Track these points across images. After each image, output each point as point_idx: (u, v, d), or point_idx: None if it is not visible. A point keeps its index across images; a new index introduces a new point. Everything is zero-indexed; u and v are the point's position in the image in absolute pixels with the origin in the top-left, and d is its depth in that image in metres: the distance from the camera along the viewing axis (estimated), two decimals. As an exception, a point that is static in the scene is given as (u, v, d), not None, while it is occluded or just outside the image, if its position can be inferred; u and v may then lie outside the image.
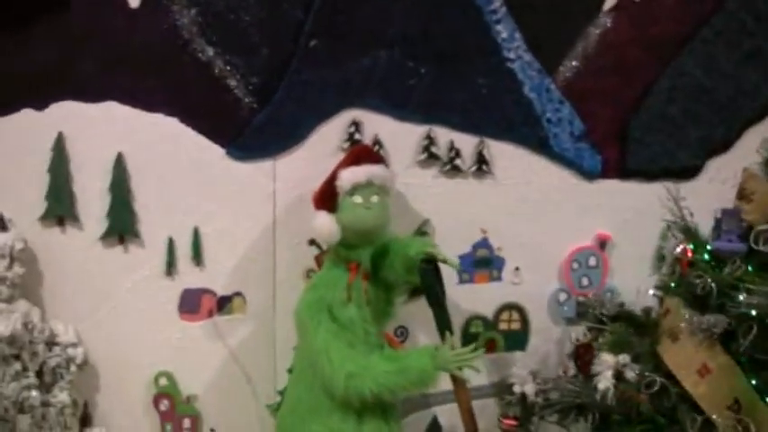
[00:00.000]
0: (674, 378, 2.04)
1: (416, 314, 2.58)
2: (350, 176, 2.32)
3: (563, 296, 2.69)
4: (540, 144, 2.57)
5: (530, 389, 2.31)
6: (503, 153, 2.58)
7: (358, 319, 2.32)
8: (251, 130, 2.46)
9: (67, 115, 2.40)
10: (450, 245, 2.58)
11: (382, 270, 2.39)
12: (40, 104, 2.38)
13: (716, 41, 2.57)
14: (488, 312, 2.69)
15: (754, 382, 1.86)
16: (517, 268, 2.65)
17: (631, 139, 2.60)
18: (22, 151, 2.41)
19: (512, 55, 2.52)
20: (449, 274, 2.57)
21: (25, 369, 2.28)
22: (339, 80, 2.47)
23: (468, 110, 2.52)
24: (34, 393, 2.27)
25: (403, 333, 2.66)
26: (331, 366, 2.25)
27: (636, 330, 2.24)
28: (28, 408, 2.25)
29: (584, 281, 2.69)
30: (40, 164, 2.41)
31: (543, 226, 2.63)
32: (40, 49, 2.35)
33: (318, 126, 2.49)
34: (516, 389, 2.34)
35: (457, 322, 2.70)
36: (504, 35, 2.49)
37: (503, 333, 2.71)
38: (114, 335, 2.52)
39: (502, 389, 2.56)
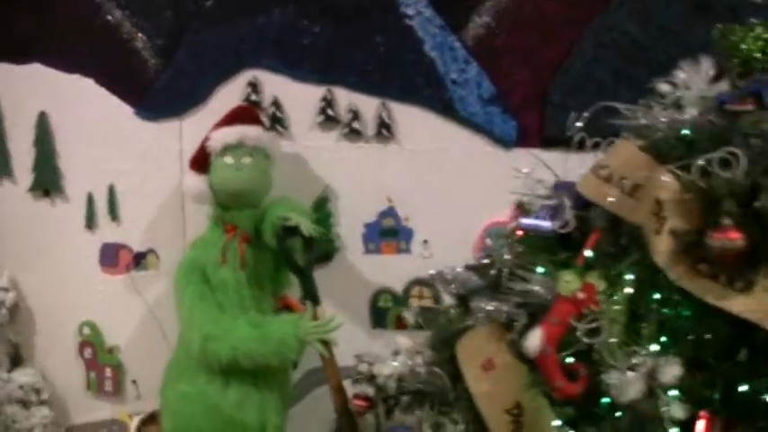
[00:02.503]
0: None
1: (324, 279, 2.78)
2: (220, 137, 2.57)
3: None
4: (444, 107, 2.63)
5: (386, 369, 2.41)
6: (407, 116, 2.68)
7: (232, 281, 2.57)
8: (155, 91, 2.79)
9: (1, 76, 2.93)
10: (355, 212, 2.78)
11: (264, 235, 2.64)
12: (-24, 67, 2.94)
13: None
14: (398, 287, 2.81)
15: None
16: (426, 241, 2.74)
17: (550, 103, 2.57)
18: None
19: (410, 11, 2.60)
20: (355, 243, 2.78)
21: (-53, 308, 2.84)
22: (235, 39, 2.71)
23: (367, 70, 2.65)
24: (-46, 330, 2.83)
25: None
26: (191, 326, 2.54)
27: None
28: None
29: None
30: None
31: (454, 197, 2.69)
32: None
33: (219, 87, 2.76)
34: (362, 368, 2.46)
35: (364, 295, 2.88)
36: (402, -10, 2.60)
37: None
38: (45, 283, 3.01)
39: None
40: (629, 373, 1.54)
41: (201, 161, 2.59)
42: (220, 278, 2.56)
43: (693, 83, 1.79)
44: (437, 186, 2.71)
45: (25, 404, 2.93)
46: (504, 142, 2.63)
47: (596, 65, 2.54)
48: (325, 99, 2.69)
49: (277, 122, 2.72)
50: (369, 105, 2.69)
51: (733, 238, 1.50)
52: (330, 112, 2.70)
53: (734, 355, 1.63)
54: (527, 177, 2.10)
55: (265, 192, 2.63)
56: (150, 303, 2.95)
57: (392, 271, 2.80)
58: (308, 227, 2.46)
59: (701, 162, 1.56)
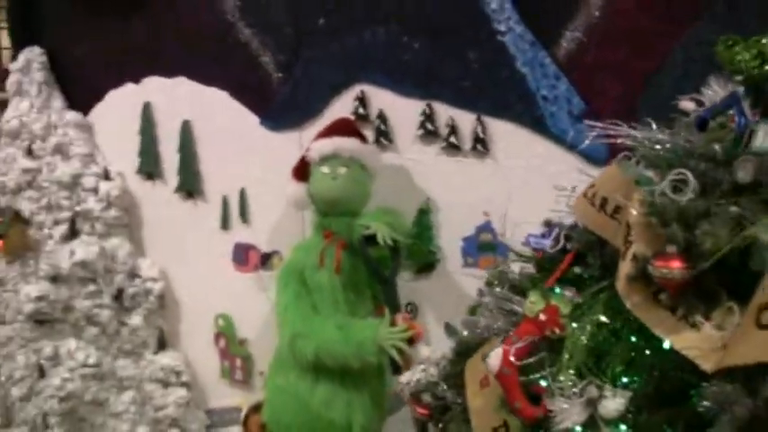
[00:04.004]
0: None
1: (425, 290, 3.04)
2: (317, 147, 2.92)
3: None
4: (536, 124, 2.76)
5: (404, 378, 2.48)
6: (502, 132, 2.85)
7: (327, 284, 2.90)
8: (277, 103, 3.19)
9: (155, 88, 3.46)
10: (454, 226, 2.99)
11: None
12: (136, 79, 3.49)
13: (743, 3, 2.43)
14: (494, 301, 2.97)
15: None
16: (520, 257, 2.88)
17: (641, 120, 2.60)
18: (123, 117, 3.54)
19: (502, 27, 2.75)
20: (454, 255, 2.99)
21: (100, 292, 3.42)
22: (344, 55, 3.03)
23: (462, 86, 2.85)
24: (105, 312, 3.40)
25: (413, 310, 3.12)
26: (284, 324, 2.91)
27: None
28: (97, 322, 3.39)
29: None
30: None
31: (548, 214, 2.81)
32: (134, 33, 3.43)
33: (332, 100, 3.09)
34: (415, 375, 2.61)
35: (462, 307, 3.04)
36: (494, 6, 2.75)
37: (511, 324, 2.97)
38: (188, 276, 3.53)
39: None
40: (570, 401, 1.66)
41: (302, 170, 2.96)
42: (316, 281, 2.90)
43: (717, 100, 1.84)
44: (531, 202, 2.86)
45: (165, 384, 3.48)
46: (595, 160, 2.73)
47: (686, 80, 2.57)
48: (424, 113, 2.94)
49: (382, 135, 3.02)
50: (466, 120, 2.90)
51: (674, 267, 1.53)
52: (429, 126, 2.93)
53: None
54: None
55: (362, 201, 2.94)
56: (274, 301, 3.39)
57: (489, 285, 3.00)
58: (383, 235, 2.73)
59: (662, 185, 1.63)
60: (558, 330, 1.79)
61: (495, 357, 1.84)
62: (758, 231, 1.48)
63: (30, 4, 3.63)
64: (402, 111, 3.00)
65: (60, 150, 3.50)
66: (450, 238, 3.01)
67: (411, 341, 2.72)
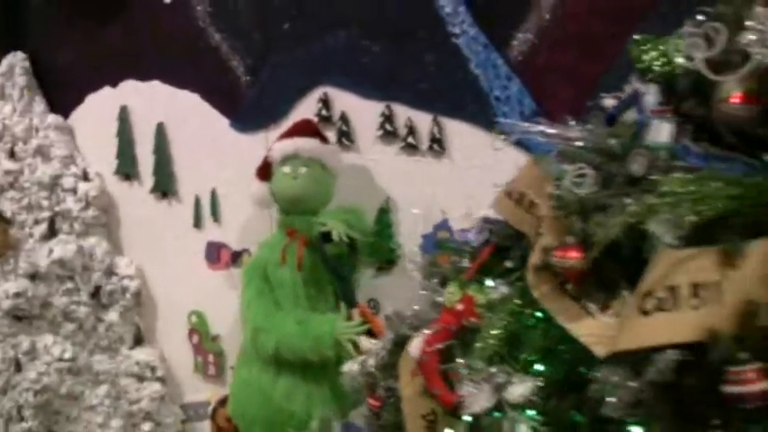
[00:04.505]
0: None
1: (386, 287, 3.10)
2: (279, 148, 2.99)
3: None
4: (489, 124, 2.81)
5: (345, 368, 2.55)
6: (459, 133, 2.90)
7: (289, 280, 2.97)
8: (245, 106, 3.27)
9: (131, 91, 3.55)
10: (414, 224, 3.03)
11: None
12: (114, 83, 3.59)
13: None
14: (452, 297, 3.03)
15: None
16: (475, 254, 2.94)
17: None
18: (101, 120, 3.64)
19: (457, 30, 2.81)
20: (414, 253, 3.04)
21: (78, 289, 3.50)
22: (308, 58, 3.09)
23: (420, 88, 2.91)
24: (82, 308, 3.48)
25: (375, 306, 3.18)
26: (247, 319, 2.98)
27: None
28: (74, 318, 3.47)
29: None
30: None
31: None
32: (112, 38, 3.52)
33: (297, 102, 3.16)
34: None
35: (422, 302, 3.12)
36: (448, 9, 2.80)
37: (469, 320, 3.03)
38: (163, 274, 3.61)
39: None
40: (478, 386, 1.72)
41: (265, 170, 3.02)
42: (279, 277, 2.97)
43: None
44: (487, 200, 2.91)
45: (140, 379, 3.56)
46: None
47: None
48: (384, 115, 3.00)
49: (344, 136, 3.08)
50: (423, 121, 2.95)
51: (572, 257, 1.58)
52: (389, 127, 2.99)
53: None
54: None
55: (322, 200, 3.00)
56: (245, 298, 3.46)
57: (447, 281, 3.06)
58: (339, 232, 2.80)
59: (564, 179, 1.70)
60: (474, 320, 1.86)
61: (415, 345, 1.91)
62: (648, 222, 1.55)
63: (13, 11, 3.74)
64: (363, 112, 3.07)
65: (41, 152, 3.61)
66: (411, 236, 3.07)
67: (374, 336, 2.79)
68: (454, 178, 2.94)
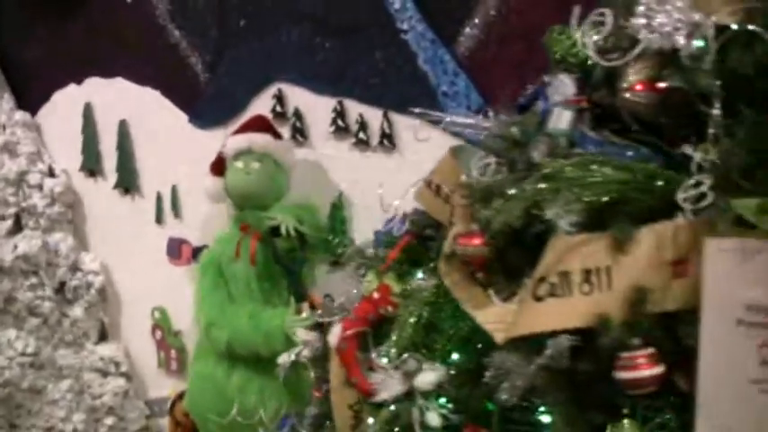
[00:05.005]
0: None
1: (340, 282, 3.10)
2: (232, 143, 3.00)
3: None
4: (438, 120, 2.81)
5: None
6: (409, 128, 2.87)
7: (242, 275, 2.98)
8: (203, 102, 3.29)
9: (95, 88, 3.58)
10: (366, 220, 3.05)
11: (277, 235, 3.02)
12: (79, 80, 3.61)
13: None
14: (397, 291, 3.04)
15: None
16: (426, 249, 2.94)
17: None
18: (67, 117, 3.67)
19: (405, 26, 2.81)
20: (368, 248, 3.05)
21: (43, 284, 3.52)
22: (263, 55, 3.11)
23: (370, 84, 2.91)
24: (47, 303, 3.50)
25: (331, 301, 3.18)
26: (200, 313, 3.00)
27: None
28: (39, 313, 3.49)
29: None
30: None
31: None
32: (76, 36, 3.55)
33: (254, 98, 3.16)
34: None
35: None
36: (397, 6, 2.80)
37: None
38: (127, 269, 3.63)
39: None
40: (389, 374, 1.73)
41: (219, 165, 3.03)
42: (232, 271, 2.98)
43: (560, 87, 1.91)
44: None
45: (104, 374, 3.58)
46: (493, 152, 2.79)
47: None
48: (335, 110, 3.01)
49: (298, 132, 3.09)
50: (374, 117, 2.96)
51: (474, 244, 1.59)
52: (341, 122, 3.00)
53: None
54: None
55: (275, 195, 2.99)
56: (206, 294, 3.48)
57: (399, 276, 3.07)
58: (287, 226, 2.81)
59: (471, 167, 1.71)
60: (390, 308, 1.87)
61: (334, 334, 1.92)
62: (544, 208, 1.55)
63: (-19, 9, 3.78)
64: (316, 108, 3.07)
65: (8, 149, 3.62)
66: (364, 232, 3.07)
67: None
68: (404, 173, 2.96)
